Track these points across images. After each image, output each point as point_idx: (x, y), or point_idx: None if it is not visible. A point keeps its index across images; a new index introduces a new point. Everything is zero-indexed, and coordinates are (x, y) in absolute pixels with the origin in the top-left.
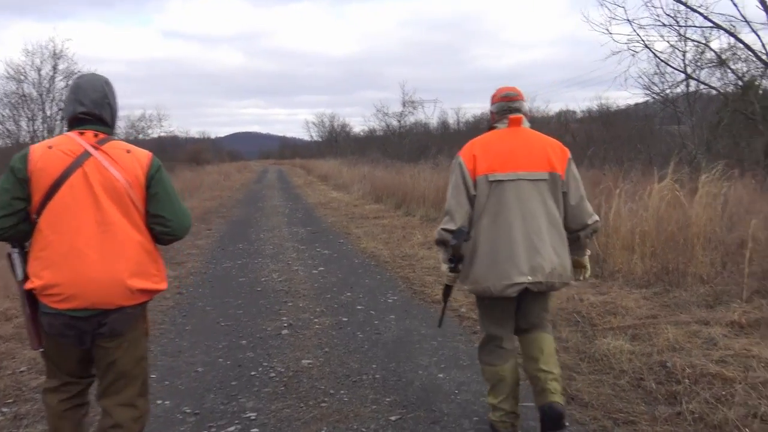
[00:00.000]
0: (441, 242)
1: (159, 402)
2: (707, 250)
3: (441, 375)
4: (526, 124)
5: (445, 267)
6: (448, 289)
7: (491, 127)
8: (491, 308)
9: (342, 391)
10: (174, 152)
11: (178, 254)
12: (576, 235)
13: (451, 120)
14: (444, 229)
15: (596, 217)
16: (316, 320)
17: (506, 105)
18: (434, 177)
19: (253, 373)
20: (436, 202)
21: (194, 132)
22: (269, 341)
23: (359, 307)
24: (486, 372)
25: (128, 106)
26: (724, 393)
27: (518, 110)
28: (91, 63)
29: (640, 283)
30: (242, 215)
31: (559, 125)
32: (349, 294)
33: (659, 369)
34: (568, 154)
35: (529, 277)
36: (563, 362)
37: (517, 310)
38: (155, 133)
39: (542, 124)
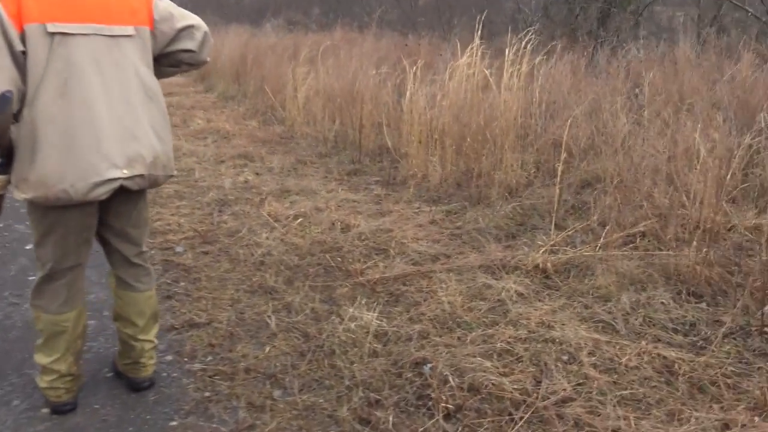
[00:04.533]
0: None
1: None
2: (517, 150)
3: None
4: None
5: None
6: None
7: None
8: (62, 225)
9: None
10: None
11: None
12: None
13: None
14: None
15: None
16: None
17: None
18: (245, 42)
19: None
20: (238, 75)
21: None
22: None
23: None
24: (42, 321)
25: None
26: None
27: None
28: None
29: (435, 196)
30: None
31: None
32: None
33: (412, 377)
34: None
35: (125, 171)
36: (274, 361)
37: (103, 223)
38: None
39: None
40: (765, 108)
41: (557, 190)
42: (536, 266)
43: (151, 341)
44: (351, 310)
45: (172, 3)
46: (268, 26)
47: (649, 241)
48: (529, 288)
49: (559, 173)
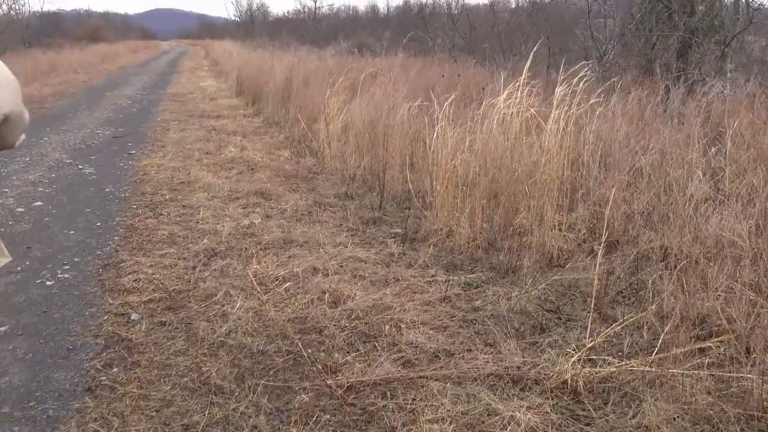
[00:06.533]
0: None
1: None
2: (561, 210)
3: None
4: None
5: None
6: None
7: None
8: None
9: None
10: (67, 29)
11: None
12: None
13: (381, 4)
14: None
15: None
16: None
17: None
18: (293, 64)
19: None
20: (282, 99)
21: (98, 7)
22: None
23: None
24: None
25: None
26: None
27: None
28: None
29: (457, 260)
30: (65, 107)
31: (488, 15)
32: None
33: None
34: None
35: None
36: None
37: None
38: (37, 5)
39: (471, 10)
40: None
41: (596, 271)
42: (563, 382)
43: None
44: None
45: None
46: (329, 49)
47: (724, 350)
48: (548, 419)
49: (601, 251)
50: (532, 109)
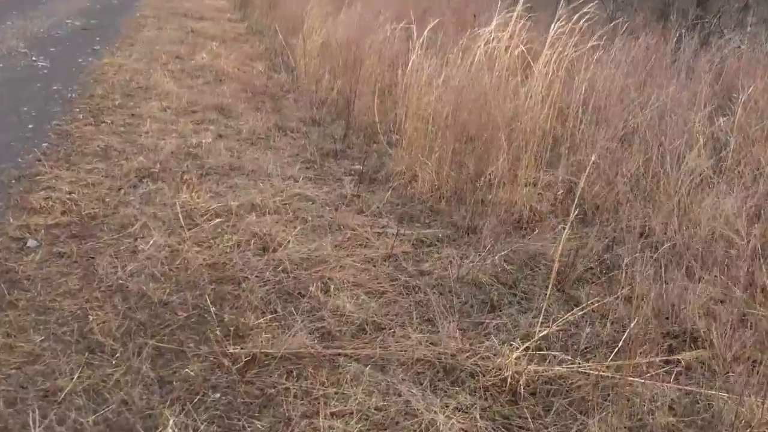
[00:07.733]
0: None
1: None
2: (538, 167)
3: None
4: None
5: None
6: None
7: None
8: None
9: None
10: None
11: None
12: None
13: None
14: None
15: None
16: None
17: None
18: None
19: None
20: (270, 5)
21: None
22: None
23: None
24: None
25: None
26: None
27: None
28: None
29: (415, 210)
30: None
31: None
32: None
33: None
34: None
35: None
36: None
37: None
38: None
39: None
40: None
41: (559, 249)
42: (503, 380)
43: None
44: (172, 421)
45: None
46: None
47: (697, 356)
48: (475, 427)
49: (570, 223)
50: (521, 46)
